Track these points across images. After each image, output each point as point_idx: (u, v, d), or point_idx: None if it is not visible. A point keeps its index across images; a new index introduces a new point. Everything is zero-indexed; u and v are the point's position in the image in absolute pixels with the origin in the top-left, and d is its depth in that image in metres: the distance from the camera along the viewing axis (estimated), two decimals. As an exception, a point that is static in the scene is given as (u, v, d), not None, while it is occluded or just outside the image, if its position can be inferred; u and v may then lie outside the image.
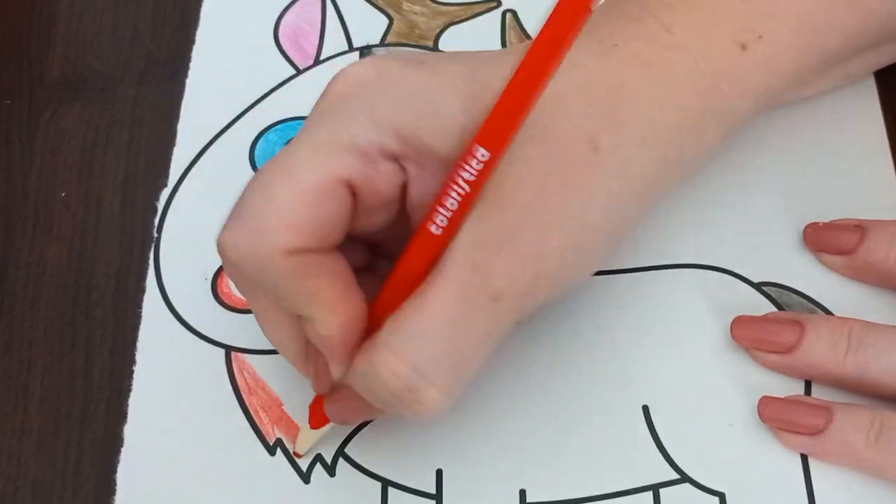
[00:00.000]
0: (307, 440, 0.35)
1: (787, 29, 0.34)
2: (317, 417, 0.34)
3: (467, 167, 0.28)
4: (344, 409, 0.33)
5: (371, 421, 0.36)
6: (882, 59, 0.39)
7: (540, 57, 0.26)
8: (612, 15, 0.34)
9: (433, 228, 0.29)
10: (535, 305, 0.31)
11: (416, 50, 0.43)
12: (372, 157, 0.29)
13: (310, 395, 0.35)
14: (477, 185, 0.28)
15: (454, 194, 0.28)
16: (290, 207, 0.28)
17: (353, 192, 0.29)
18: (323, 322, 0.30)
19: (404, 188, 0.30)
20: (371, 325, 0.30)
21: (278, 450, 0.36)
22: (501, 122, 0.27)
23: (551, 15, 0.25)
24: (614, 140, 0.31)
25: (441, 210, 0.29)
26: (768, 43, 0.34)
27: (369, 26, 0.44)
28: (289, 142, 0.31)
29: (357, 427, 0.36)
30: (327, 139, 0.29)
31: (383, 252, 0.33)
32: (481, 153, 0.28)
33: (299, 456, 0.36)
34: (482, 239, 0.29)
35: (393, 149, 0.29)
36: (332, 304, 0.29)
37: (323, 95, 0.31)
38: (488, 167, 0.28)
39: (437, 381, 0.29)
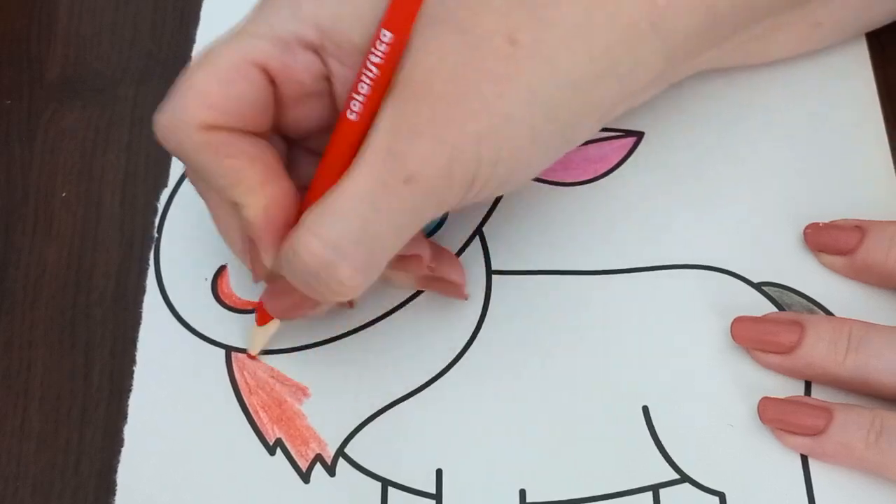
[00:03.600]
0: (256, 340, 0.37)
1: None
2: (262, 314, 0.36)
3: (375, 51, 0.30)
4: (280, 301, 0.35)
5: (371, 420, 0.36)
6: (850, 8, 0.38)
7: None
8: None
9: (350, 115, 0.30)
10: (454, 195, 0.32)
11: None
12: (290, 46, 0.31)
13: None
14: (386, 68, 0.30)
15: (365, 80, 0.30)
16: (204, 86, 0.31)
17: (270, 79, 0.31)
18: (246, 205, 0.31)
19: (331, 85, 0.32)
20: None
21: (278, 450, 0.36)
22: (402, 4, 0.29)
23: None
24: (536, 37, 0.31)
25: (356, 97, 0.30)
26: None
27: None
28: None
29: (357, 427, 0.36)
30: (247, 28, 0.32)
31: None
32: (386, 36, 0.29)
33: (253, 357, 0.37)
34: (397, 125, 0.30)
35: (312, 39, 0.31)
36: (254, 186, 0.31)
37: None
38: (395, 49, 0.29)
39: (351, 258, 0.30)
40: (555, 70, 0.32)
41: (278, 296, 0.35)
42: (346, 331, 0.38)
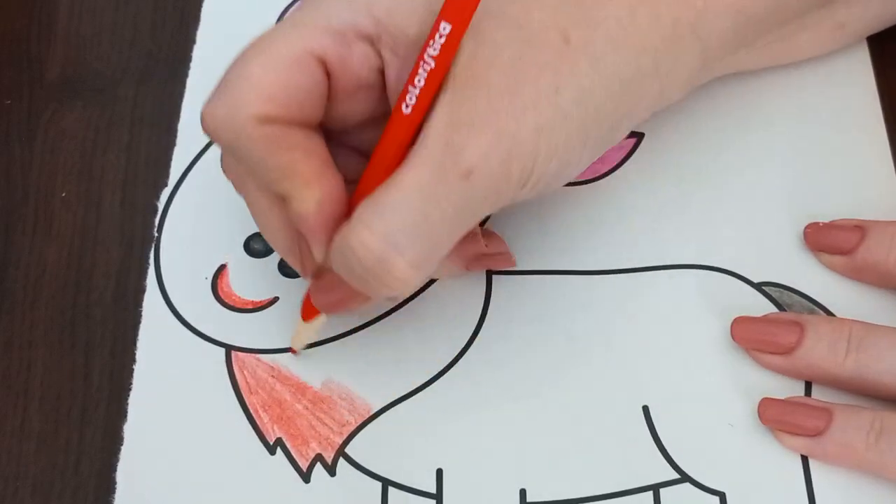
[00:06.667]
0: (302, 336, 0.36)
1: None
2: (308, 310, 0.35)
3: (433, 43, 0.29)
4: (328, 296, 0.34)
5: (371, 420, 0.36)
6: (871, 8, 0.39)
7: None
8: None
9: (405, 108, 0.30)
10: (509, 190, 0.31)
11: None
12: (346, 37, 0.31)
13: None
14: (442, 60, 0.29)
15: (422, 72, 0.29)
16: (262, 78, 0.30)
17: (327, 69, 0.31)
18: (299, 199, 0.31)
19: (383, 77, 0.31)
20: (352, 211, 0.31)
21: (278, 449, 0.36)
22: None
23: None
24: (585, 36, 0.31)
25: (412, 90, 0.30)
26: None
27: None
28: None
29: (357, 427, 0.36)
30: (303, 19, 0.31)
31: None
32: (445, 28, 0.29)
33: (295, 352, 0.37)
34: (454, 118, 0.30)
35: (368, 30, 0.31)
36: (307, 179, 0.31)
37: None
38: (451, 41, 0.29)
39: (407, 252, 0.30)
40: (602, 68, 0.32)
41: (327, 290, 0.34)
42: (346, 331, 0.38)
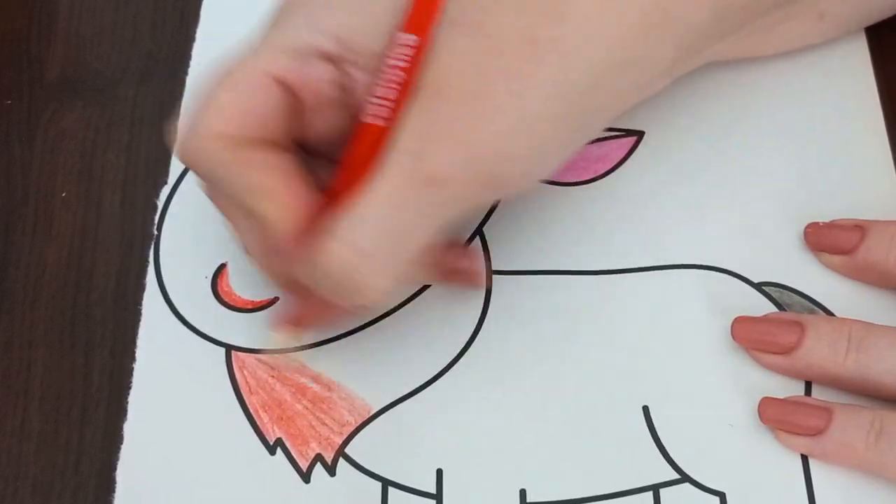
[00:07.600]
0: (280, 348, 0.37)
1: None
2: (285, 323, 0.36)
3: (395, 55, 0.30)
4: (305, 308, 0.35)
5: (372, 420, 0.36)
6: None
7: None
8: None
9: (368, 119, 0.31)
10: (477, 194, 0.32)
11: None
12: (307, 58, 0.32)
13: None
14: (411, 70, 0.30)
15: (383, 83, 0.30)
16: (222, 101, 0.31)
17: (289, 90, 0.32)
18: (269, 216, 0.31)
19: (351, 94, 0.32)
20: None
21: (278, 449, 0.36)
22: (421, 8, 0.30)
23: None
24: (553, 34, 0.31)
25: (374, 100, 0.31)
26: None
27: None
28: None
29: (357, 427, 0.36)
30: (265, 43, 0.32)
31: None
32: (406, 38, 0.30)
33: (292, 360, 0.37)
34: (420, 128, 0.30)
35: (329, 50, 0.31)
36: (277, 196, 0.31)
37: (272, 11, 0.33)
38: (418, 52, 0.30)
39: (377, 261, 0.30)
40: (573, 64, 0.32)
41: (303, 304, 0.35)
42: (345, 331, 0.38)
